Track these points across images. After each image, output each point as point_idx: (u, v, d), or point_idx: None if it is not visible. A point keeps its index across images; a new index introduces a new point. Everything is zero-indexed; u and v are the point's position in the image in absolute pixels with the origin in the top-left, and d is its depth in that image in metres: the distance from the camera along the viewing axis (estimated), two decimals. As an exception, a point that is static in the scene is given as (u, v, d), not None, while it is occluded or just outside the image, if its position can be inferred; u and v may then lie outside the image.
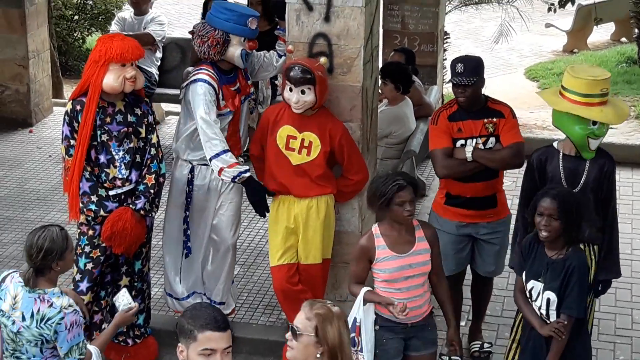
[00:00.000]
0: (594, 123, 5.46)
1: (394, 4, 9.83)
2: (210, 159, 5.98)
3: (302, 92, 5.85)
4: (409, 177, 5.25)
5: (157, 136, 6.10)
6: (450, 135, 5.97)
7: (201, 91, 6.03)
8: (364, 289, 5.15)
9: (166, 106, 10.65)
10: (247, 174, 5.99)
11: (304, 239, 6.07)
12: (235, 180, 5.98)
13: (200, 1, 9.51)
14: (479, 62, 6.02)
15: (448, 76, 7.11)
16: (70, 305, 4.69)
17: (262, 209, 6.11)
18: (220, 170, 5.96)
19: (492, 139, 5.99)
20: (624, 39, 15.68)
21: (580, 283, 5.06)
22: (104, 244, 5.94)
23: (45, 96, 10.72)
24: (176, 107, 9.17)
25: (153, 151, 6.02)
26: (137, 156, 5.99)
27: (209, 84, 6.06)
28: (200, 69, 6.16)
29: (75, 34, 13.66)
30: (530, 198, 5.63)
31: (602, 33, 15.92)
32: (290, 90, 5.86)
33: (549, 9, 11.39)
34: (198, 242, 6.39)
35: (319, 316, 3.88)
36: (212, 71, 6.13)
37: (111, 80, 5.81)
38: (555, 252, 5.09)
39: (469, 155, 5.91)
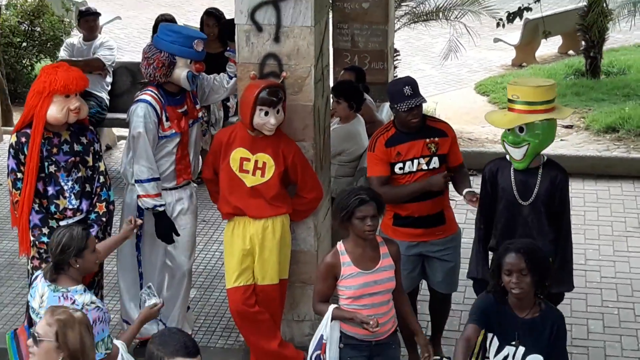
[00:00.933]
0: (515, 129, 5.51)
1: (343, 23, 9.86)
2: (135, 181, 6.03)
3: (278, 111, 5.85)
4: (374, 193, 5.21)
5: (104, 163, 6.06)
6: (387, 162, 5.94)
7: (141, 113, 6.01)
8: (332, 306, 5.12)
9: (117, 131, 10.57)
10: (161, 209, 6.10)
11: (260, 259, 6.03)
12: (148, 209, 6.07)
13: (150, 25, 9.47)
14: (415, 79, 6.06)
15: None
16: (92, 302, 4.77)
17: (167, 241, 6.23)
18: (140, 196, 6.04)
19: (435, 159, 5.96)
20: (571, 52, 15.88)
21: (565, 338, 4.87)
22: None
23: (-6, 124, 10.61)
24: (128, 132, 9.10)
25: (102, 179, 5.98)
26: (87, 185, 5.94)
27: (151, 105, 6.03)
28: (145, 90, 6.14)
29: (23, 61, 13.52)
30: (487, 209, 5.66)
31: (549, 46, 16.10)
32: (266, 114, 5.82)
33: (498, 24, 11.46)
34: (152, 268, 6.33)
35: (59, 322, 3.93)
36: (157, 92, 6.10)
37: (55, 111, 5.76)
38: (526, 311, 4.78)
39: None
